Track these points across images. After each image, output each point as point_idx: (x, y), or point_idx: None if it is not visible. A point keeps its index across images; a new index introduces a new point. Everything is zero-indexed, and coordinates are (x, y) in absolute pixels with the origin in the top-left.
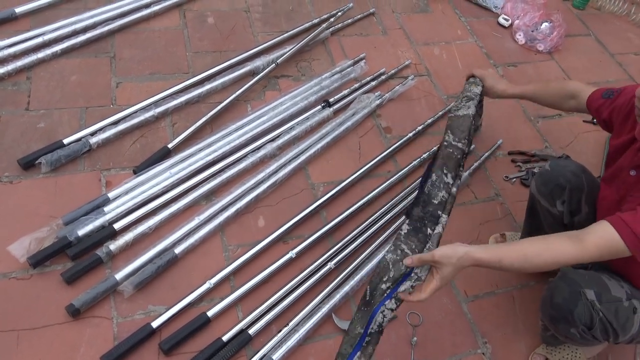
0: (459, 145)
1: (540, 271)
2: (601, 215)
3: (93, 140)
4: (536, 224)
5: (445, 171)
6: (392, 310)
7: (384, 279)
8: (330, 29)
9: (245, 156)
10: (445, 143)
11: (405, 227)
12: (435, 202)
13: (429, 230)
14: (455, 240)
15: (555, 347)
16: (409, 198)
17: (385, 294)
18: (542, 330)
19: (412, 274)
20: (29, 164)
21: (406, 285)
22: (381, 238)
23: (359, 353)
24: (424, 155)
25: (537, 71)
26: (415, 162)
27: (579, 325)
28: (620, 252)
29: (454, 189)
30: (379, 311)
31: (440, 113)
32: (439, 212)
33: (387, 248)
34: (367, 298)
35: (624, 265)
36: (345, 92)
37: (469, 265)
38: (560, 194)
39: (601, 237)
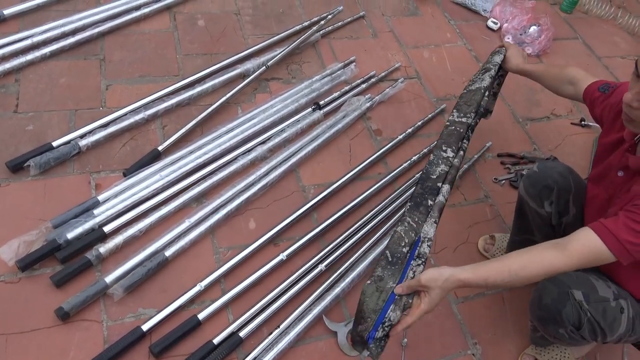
0: (463, 120)
1: (530, 283)
2: (590, 214)
3: (82, 142)
4: (525, 225)
5: (444, 148)
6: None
7: (402, 244)
8: (321, 32)
9: (235, 158)
10: (447, 122)
11: (407, 205)
12: (434, 177)
13: (429, 202)
14: (446, 241)
15: (544, 348)
16: (400, 200)
17: (408, 255)
18: (532, 331)
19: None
20: (17, 167)
21: (395, 313)
22: (372, 240)
23: (392, 306)
24: (414, 158)
25: None
26: (405, 164)
27: (568, 326)
28: (605, 259)
29: (455, 161)
30: (409, 268)
31: (430, 115)
32: (438, 185)
33: (396, 224)
34: (390, 259)
35: (611, 266)
36: (336, 94)
37: (456, 287)
38: (548, 195)
39: (584, 245)
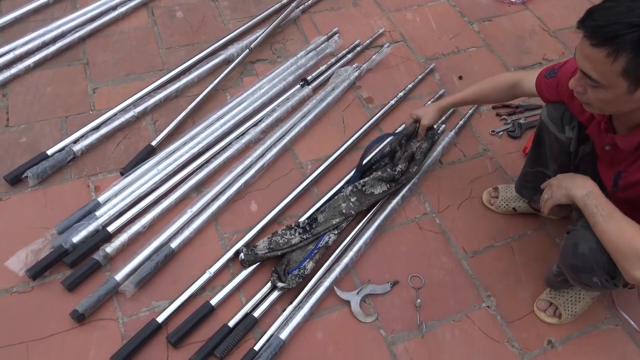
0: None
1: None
2: (602, 168)
3: (76, 147)
4: (541, 155)
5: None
6: (336, 234)
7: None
8: (300, 7)
9: (230, 144)
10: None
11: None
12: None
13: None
14: (449, 199)
15: (559, 291)
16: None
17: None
18: (554, 276)
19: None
20: (15, 179)
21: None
22: (375, 207)
23: (309, 260)
24: None
25: (513, 22)
26: (400, 128)
27: (603, 275)
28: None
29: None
30: (325, 236)
31: (420, 76)
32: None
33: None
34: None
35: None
36: (323, 68)
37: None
38: (570, 119)
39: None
